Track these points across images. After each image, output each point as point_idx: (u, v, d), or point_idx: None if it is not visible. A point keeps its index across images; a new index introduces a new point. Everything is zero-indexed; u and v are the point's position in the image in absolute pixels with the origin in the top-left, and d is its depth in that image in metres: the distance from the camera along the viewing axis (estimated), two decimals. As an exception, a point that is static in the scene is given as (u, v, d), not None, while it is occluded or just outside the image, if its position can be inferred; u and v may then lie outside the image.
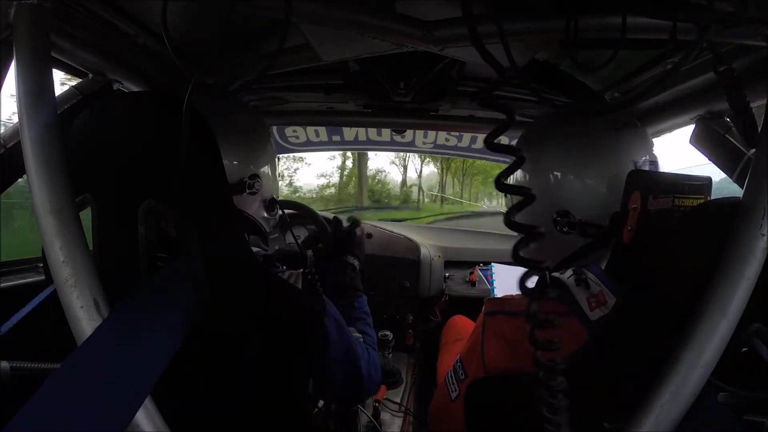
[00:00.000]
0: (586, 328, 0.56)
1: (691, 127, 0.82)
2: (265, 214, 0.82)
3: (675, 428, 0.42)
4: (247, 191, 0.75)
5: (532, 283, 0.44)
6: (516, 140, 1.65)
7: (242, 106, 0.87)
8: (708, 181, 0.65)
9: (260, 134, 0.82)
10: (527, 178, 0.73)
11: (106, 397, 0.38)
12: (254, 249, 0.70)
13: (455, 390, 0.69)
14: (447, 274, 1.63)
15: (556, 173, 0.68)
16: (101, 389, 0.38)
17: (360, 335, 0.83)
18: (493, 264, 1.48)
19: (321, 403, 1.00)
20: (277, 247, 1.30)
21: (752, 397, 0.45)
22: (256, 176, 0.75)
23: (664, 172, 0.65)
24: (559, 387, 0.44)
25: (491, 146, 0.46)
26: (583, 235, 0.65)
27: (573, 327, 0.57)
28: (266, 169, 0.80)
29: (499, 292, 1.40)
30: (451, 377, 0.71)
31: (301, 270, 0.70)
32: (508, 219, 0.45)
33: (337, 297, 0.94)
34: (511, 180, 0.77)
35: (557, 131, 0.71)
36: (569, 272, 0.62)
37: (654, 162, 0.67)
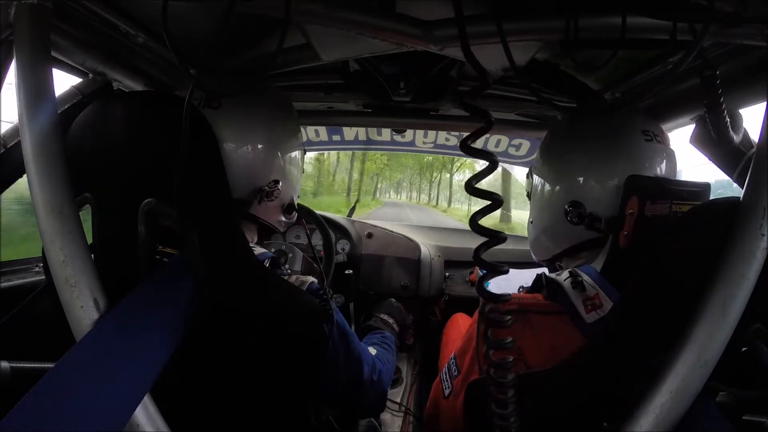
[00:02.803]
0: (581, 331, 0.56)
1: (691, 127, 0.82)
2: (282, 218, 0.79)
3: (674, 428, 0.42)
4: (266, 200, 0.72)
5: (499, 285, 0.46)
6: (514, 139, 1.65)
7: (270, 104, 0.77)
8: (706, 187, 0.65)
9: (289, 130, 0.77)
10: (548, 176, 0.74)
11: (103, 393, 0.38)
12: (261, 250, 0.69)
13: (448, 387, 0.69)
14: (447, 274, 1.63)
15: (577, 172, 0.69)
16: (98, 384, 0.38)
17: (374, 351, 0.85)
18: None
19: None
20: (283, 247, 1.29)
21: (751, 398, 0.45)
22: (277, 182, 0.73)
23: (662, 178, 0.66)
24: (509, 384, 0.45)
25: (467, 150, 0.46)
26: (590, 228, 0.66)
27: (568, 329, 0.57)
28: (290, 168, 0.77)
29: (493, 288, 1.40)
30: (445, 374, 0.72)
31: (311, 280, 0.68)
32: (474, 222, 0.46)
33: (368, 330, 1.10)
34: (534, 178, 0.79)
35: (581, 131, 0.72)
36: (565, 274, 0.62)
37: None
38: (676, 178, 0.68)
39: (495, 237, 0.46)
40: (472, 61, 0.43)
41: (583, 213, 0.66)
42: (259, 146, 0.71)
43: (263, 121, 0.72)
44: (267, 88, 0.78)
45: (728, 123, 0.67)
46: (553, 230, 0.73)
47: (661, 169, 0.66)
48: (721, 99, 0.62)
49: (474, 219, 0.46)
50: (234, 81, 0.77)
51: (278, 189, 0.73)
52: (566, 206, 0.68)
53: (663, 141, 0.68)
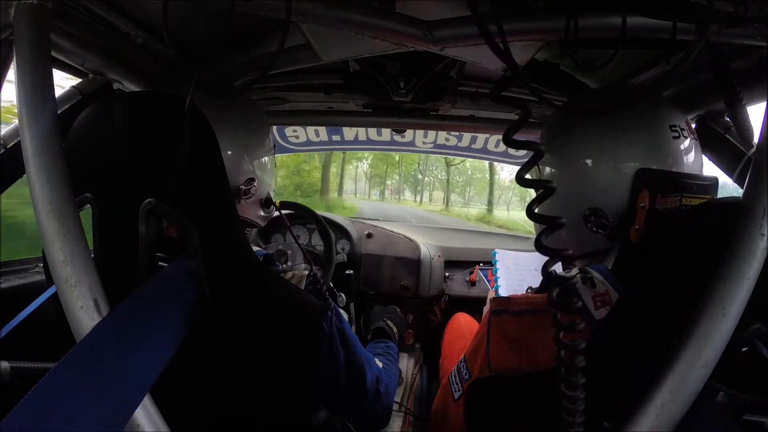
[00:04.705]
0: (590, 328, 0.56)
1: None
2: (262, 213, 0.81)
3: (675, 428, 0.42)
4: (243, 198, 0.73)
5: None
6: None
7: (239, 106, 0.79)
8: (715, 180, 0.64)
9: (258, 134, 0.79)
10: (555, 166, 0.70)
11: (104, 394, 0.38)
12: (255, 249, 0.69)
13: (458, 390, 0.69)
14: (447, 274, 1.63)
15: (591, 167, 0.65)
16: (99, 385, 0.38)
17: (381, 364, 0.85)
18: (496, 250, 1.47)
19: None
20: (280, 246, 1.30)
21: (754, 402, 0.45)
22: (252, 180, 0.74)
23: (672, 171, 0.64)
24: (579, 381, 0.44)
25: (510, 142, 0.46)
26: (611, 239, 0.64)
27: None
28: (261, 169, 0.78)
29: (503, 281, 1.40)
30: (455, 377, 0.71)
31: (306, 273, 0.69)
32: (530, 211, 0.47)
33: (372, 338, 1.14)
34: (537, 174, 0.75)
35: (598, 124, 0.66)
36: (575, 271, 0.62)
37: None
38: (686, 171, 0.66)
39: (554, 223, 0.46)
40: (502, 54, 0.42)
41: (605, 223, 0.63)
42: (229, 152, 0.71)
43: (234, 128, 0.73)
44: (231, 102, 0.78)
45: (749, 115, 0.65)
46: (568, 231, 0.69)
47: (688, 164, 0.63)
48: (738, 89, 0.62)
49: (530, 207, 0.48)
50: (217, 87, 0.77)
51: (254, 186, 0.74)
52: (586, 212, 0.65)
53: (690, 134, 0.64)
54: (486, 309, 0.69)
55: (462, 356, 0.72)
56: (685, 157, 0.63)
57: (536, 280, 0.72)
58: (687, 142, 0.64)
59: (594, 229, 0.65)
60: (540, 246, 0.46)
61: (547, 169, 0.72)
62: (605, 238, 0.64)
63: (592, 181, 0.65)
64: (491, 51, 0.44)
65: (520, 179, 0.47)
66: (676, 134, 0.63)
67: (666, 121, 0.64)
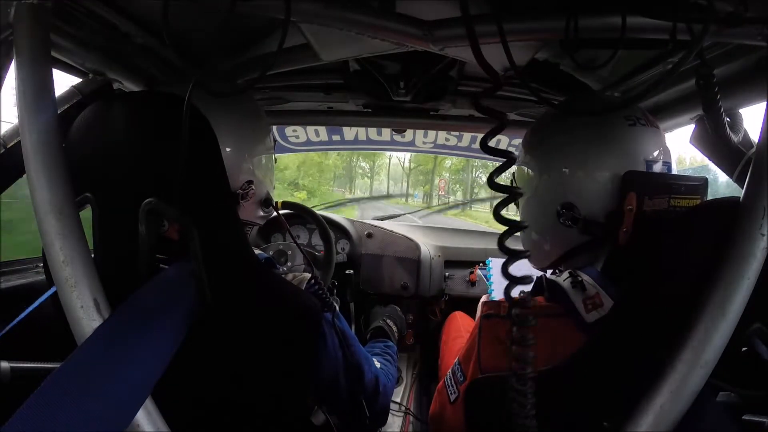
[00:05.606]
0: (582, 331, 0.56)
1: (690, 127, 0.82)
2: (261, 213, 0.80)
3: (675, 428, 0.42)
4: (241, 201, 0.72)
5: (516, 269, 0.45)
6: (514, 139, 1.66)
7: (238, 104, 0.77)
8: (704, 181, 0.64)
9: (258, 132, 0.78)
10: (534, 170, 0.72)
11: (106, 396, 0.38)
12: (256, 251, 0.69)
13: (454, 392, 0.69)
14: (447, 274, 1.63)
15: (564, 164, 0.67)
16: (101, 388, 0.38)
17: (379, 364, 0.86)
18: (490, 259, 1.49)
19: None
20: (280, 246, 1.30)
21: (751, 397, 0.45)
22: (250, 182, 0.73)
23: (659, 173, 0.65)
24: (528, 389, 0.45)
25: (485, 148, 0.47)
26: (584, 232, 0.64)
27: (568, 329, 0.57)
28: (261, 168, 0.77)
29: (496, 286, 1.41)
30: (450, 380, 0.72)
31: (308, 276, 0.69)
32: (497, 213, 0.48)
33: (371, 338, 1.16)
34: (524, 172, 0.76)
35: (567, 123, 0.69)
36: (565, 274, 0.62)
37: (668, 164, 0.65)
38: (673, 172, 0.67)
39: (516, 226, 0.47)
40: (482, 63, 0.43)
41: (576, 216, 0.64)
42: (228, 150, 0.70)
43: (233, 125, 0.72)
44: (230, 102, 0.76)
45: (726, 123, 0.66)
46: (546, 233, 0.71)
47: (650, 152, 0.64)
48: (718, 97, 0.62)
49: (497, 210, 0.48)
50: (217, 85, 0.77)
51: (252, 189, 0.73)
52: (558, 207, 0.66)
53: (647, 123, 0.65)
54: (478, 313, 0.70)
55: (456, 359, 0.72)
56: (644, 145, 0.64)
57: (528, 286, 0.72)
58: (644, 130, 0.64)
59: (568, 223, 0.65)
60: (503, 247, 0.47)
61: (528, 172, 0.73)
62: (578, 233, 0.65)
63: (570, 185, 0.66)
64: (491, 51, 0.44)
65: (491, 183, 0.48)
66: (631, 122, 0.64)
67: (621, 113, 0.65)
